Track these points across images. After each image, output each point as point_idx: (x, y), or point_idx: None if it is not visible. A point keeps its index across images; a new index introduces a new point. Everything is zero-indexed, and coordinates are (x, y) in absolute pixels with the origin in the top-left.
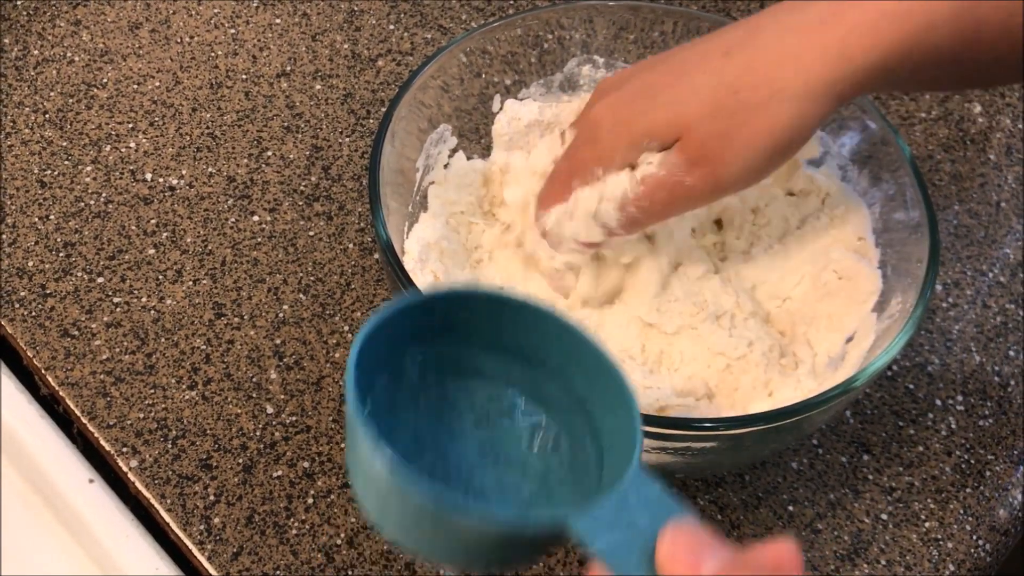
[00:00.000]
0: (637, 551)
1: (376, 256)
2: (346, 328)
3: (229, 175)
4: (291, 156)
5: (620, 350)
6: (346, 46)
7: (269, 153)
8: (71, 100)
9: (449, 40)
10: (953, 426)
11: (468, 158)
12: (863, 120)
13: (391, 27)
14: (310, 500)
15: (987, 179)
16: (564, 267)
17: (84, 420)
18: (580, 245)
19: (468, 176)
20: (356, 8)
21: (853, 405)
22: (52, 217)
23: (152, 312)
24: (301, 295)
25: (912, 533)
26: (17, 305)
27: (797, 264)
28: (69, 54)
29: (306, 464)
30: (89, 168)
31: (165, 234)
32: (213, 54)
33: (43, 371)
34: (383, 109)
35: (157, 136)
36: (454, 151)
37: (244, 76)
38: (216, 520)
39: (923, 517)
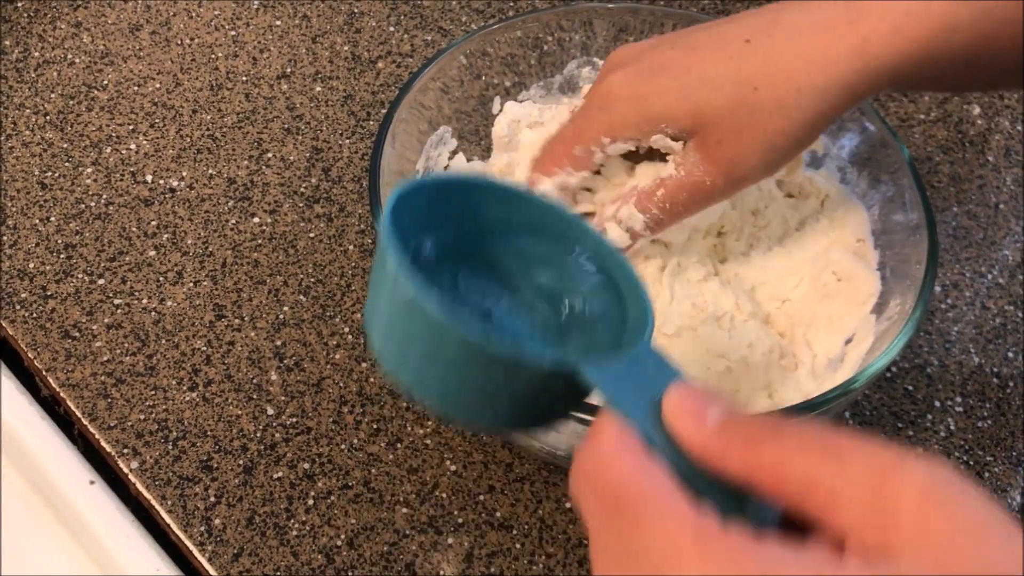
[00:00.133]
0: (644, 404)
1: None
2: (346, 330)
3: (229, 177)
4: (291, 158)
5: None
6: (346, 48)
7: (269, 155)
8: (72, 102)
9: (449, 42)
10: (952, 427)
11: (468, 160)
12: (862, 122)
13: (391, 29)
14: (310, 501)
15: (986, 181)
16: None
17: (85, 421)
18: None
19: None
20: (356, 10)
21: (852, 406)
22: (53, 219)
23: (153, 314)
24: (301, 297)
25: None
26: (18, 307)
27: (796, 266)
28: (70, 56)
29: (306, 465)
30: (90, 170)
31: (166, 236)
32: (213, 56)
33: (44, 372)
34: (383, 111)
35: (157, 138)
36: (454, 153)
37: (244, 78)
38: (217, 521)
39: None
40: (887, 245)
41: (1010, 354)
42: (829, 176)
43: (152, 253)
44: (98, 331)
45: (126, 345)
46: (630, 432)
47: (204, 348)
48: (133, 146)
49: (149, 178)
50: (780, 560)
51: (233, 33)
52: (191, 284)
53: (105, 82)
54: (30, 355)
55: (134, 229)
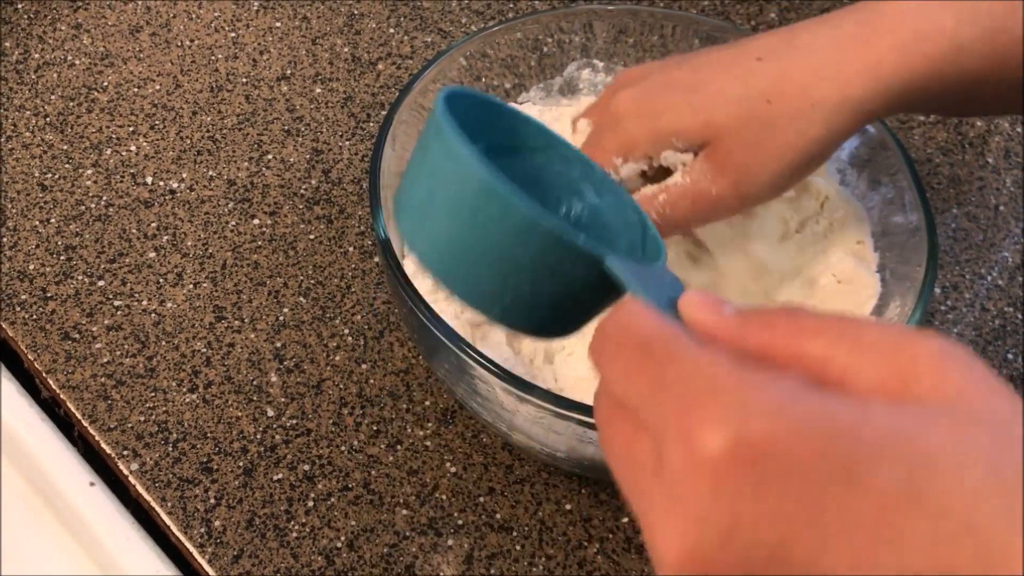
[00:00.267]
0: (664, 301)
1: (376, 259)
2: (346, 331)
3: (229, 178)
4: (291, 159)
5: None
6: (346, 50)
7: (269, 156)
8: (72, 103)
9: (449, 44)
10: None
11: None
12: None
13: (391, 31)
14: (310, 503)
15: (985, 182)
16: None
17: (85, 423)
18: None
19: None
20: (356, 12)
21: None
22: (53, 220)
23: (153, 315)
24: (301, 298)
25: None
26: (18, 308)
27: (796, 267)
28: (70, 57)
29: (306, 467)
30: (90, 171)
31: (166, 237)
32: (213, 58)
33: (44, 374)
34: (383, 112)
35: (158, 139)
36: None
37: (244, 79)
38: (216, 523)
39: None
40: (887, 247)
41: (1010, 355)
42: (829, 178)
43: (152, 255)
44: (98, 333)
45: (126, 347)
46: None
47: (204, 350)
48: (133, 148)
49: (149, 180)
50: (812, 388)
51: (233, 35)
52: (191, 286)
53: (105, 84)
54: (30, 357)
55: (134, 231)
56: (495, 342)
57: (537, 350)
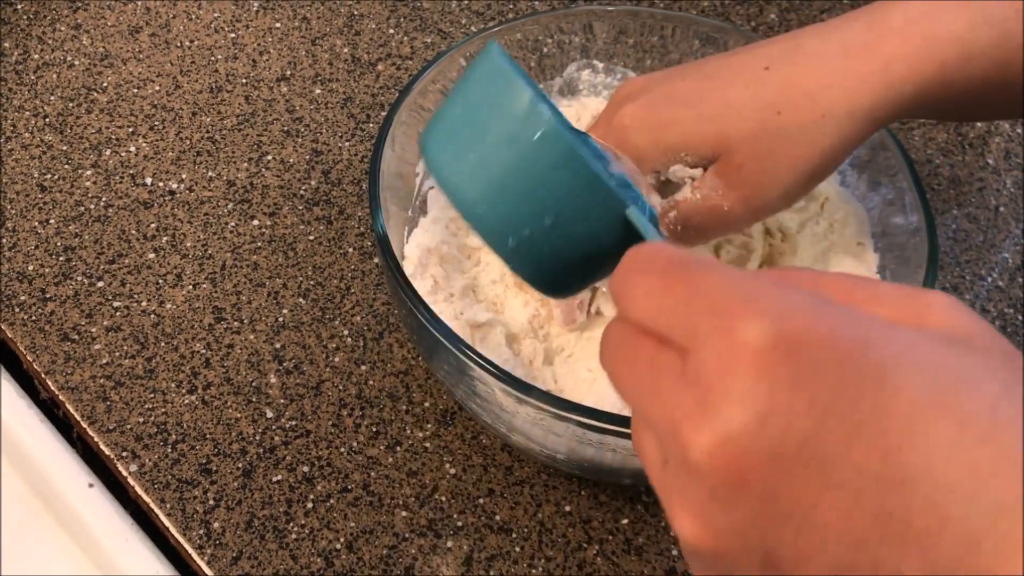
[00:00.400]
0: None
1: (376, 260)
2: (346, 332)
3: (229, 179)
4: (291, 160)
5: None
6: (346, 50)
7: (269, 157)
8: (71, 104)
9: (449, 45)
10: None
11: None
12: None
13: (391, 31)
14: (310, 504)
15: (986, 183)
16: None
17: (84, 424)
18: None
19: None
20: (356, 12)
21: None
22: (52, 221)
23: (152, 316)
24: (301, 299)
25: None
26: (17, 309)
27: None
28: (69, 58)
29: (306, 468)
30: (89, 172)
31: (165, 238)
32: (213, 58)
33: (43, 375)
34: (383, 113)
35: (157, 140)
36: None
37: (244, 80)
38: (216, 524)
39: None
40: (887, 248)
41: None
42: (829, 179)
43: (151, 255)
44: (97, 334)
45: (125, 348)
46: None
47: (203, 351)
48: (133, 148)
49: (148, 180)
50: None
51: (233, 35)
52: (190, 287)
53: (105, 84)
54: (29, 358)
55: (133, 231)
56: (495, 343)
57: (537, 351)
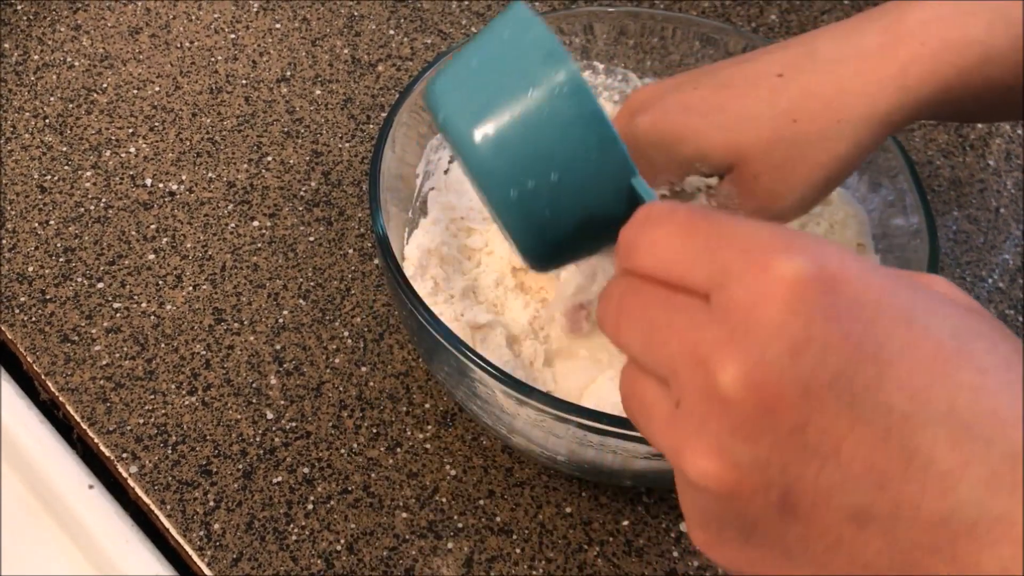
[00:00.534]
0: None
1: (376, 261)
2: (346, 334)
3: (229, 180)
4: (291, 161)
5: (622, 361)
6: (346, 51)
7: (269, 158)
8: (71, 105)
9: (449, 45)
10: None
11: None
12: None
13: (391, 32)
14: (310, 506)
15: (986, 184)
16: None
17: (84, 425)
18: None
19: (468, 182)
20: (356, 13)
21: None
22: (52, 222)
23: (152, 317)
24: (301, 300)
25: None
26: (17, 310)
27: None
28: (69, 59)
29: (306, 470)
30: (89, 173)
31: (165, 239)
32: (213, 59)
33: (43, 376)
34: (383, 114)
35: (157, 141)
36: (454, 157)
37: (244, 81)
38: (216, 526)
39: None
40: (888, 249)
41: None
42: None
43: (151, 257)
44: (97, 335)
45: (125, 349)
46: None
47: (203, 352)
48: (132, 149)
49: (148, 181)
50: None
51: (233, 36)
52: (190, 288)
53: (104, 85)
54: (29, 359)
55: (133, 233)
56: (495, 345)
57: (537, 353)
